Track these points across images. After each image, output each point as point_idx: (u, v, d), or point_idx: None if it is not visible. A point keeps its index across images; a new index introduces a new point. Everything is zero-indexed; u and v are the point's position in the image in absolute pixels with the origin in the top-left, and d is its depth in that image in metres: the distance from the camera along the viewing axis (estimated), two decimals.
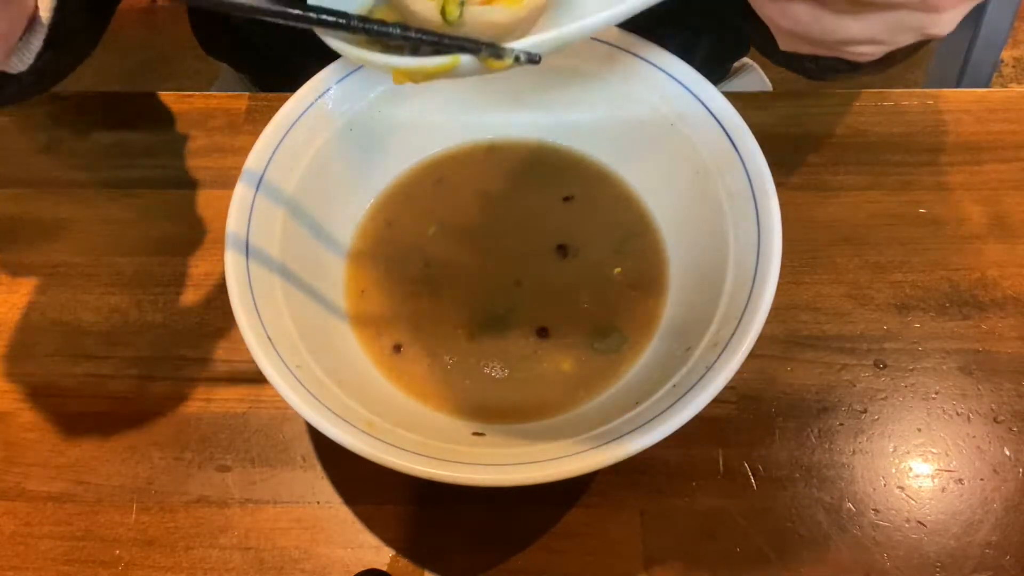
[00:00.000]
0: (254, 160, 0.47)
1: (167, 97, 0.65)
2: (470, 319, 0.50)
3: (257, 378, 0.50)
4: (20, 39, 0.46)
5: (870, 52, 0.38)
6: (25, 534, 0.49)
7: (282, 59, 0.44)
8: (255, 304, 0.43)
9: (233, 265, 0.44)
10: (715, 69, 0.79)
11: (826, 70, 0.52)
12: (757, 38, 0.52)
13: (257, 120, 0.63)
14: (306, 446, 0.51)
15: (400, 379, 0.49)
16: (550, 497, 0.49)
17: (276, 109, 0.48)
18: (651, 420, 0.40)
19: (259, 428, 0.51)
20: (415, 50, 0.39)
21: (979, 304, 0.54)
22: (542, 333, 0.50)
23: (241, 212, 0.45)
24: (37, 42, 0.46)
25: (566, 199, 0.54)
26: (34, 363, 0.54)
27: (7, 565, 0.48)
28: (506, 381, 0.49)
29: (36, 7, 0.45)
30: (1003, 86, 1.55)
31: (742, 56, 0.84)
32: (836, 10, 0.35)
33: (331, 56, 0.50)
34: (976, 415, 0.51)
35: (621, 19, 0.36)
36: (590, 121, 0.54)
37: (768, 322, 0.41)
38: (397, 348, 0.50)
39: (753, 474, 0.49)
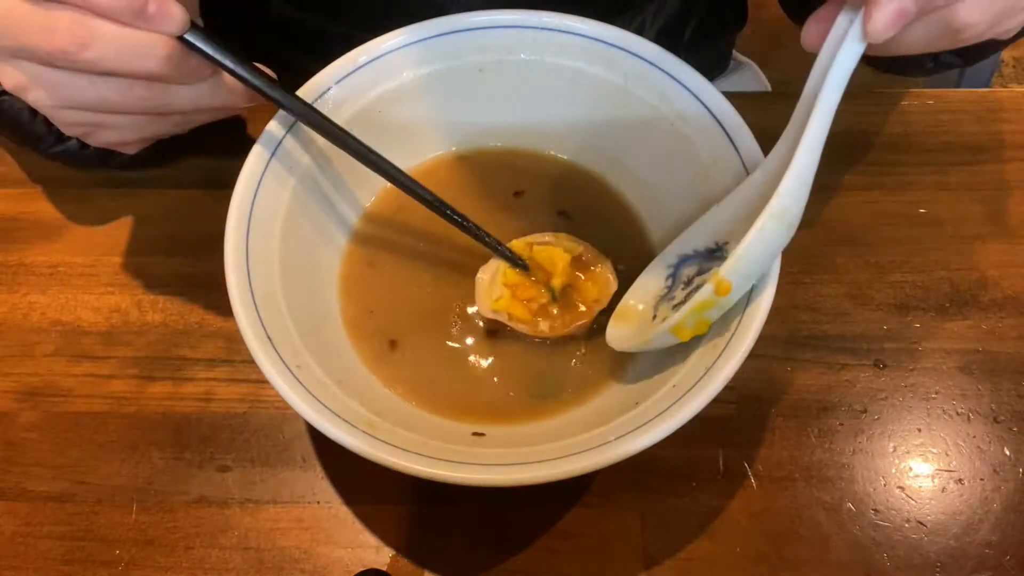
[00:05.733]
0: (254, 160, 0.47)
1: None
2: (470, 318, 0.50)
3: (257, 378, 0.50)
4: None
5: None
6: (25, 534, 0.49)
7: (283, 61, 0.45)
8: (255, 304, 0.43)
9: (233, 265, 0.44)
10: (710, 43, 0.78)
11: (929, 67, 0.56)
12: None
13: (258, 120, 0.62)
14: (306, 446, 0.51)
15: (399, 379, 0.49)
16: (550, 497, 0.49)
17: (276, 109, 0.48)
18: (651, 420, 0.40)
19: (259, 428, 0.51)
20: None
21: (979, 304, 0.54)
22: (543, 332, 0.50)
23: (241, 211, 0.45)
24: None
25: (567, 197, 0.54)
26: (34, 363, 0.54)
27: (7, 565, 0.48)
28: (507, 384, 0.49)
29: None
30: (1003, 86, 1.54)
31: (740, 28, 0.82)
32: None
33: (330, 56, 0.50)
34: (976, 415, 0.51)
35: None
36: (590, 120, 0.54)
37: (768, 322, 0.41)
38: (392, 345, 0.50)
39: (753, 474, 0.49)
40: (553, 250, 0.50)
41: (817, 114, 0.39)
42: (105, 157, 0.55)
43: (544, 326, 0.49)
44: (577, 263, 0.50)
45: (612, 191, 0.55)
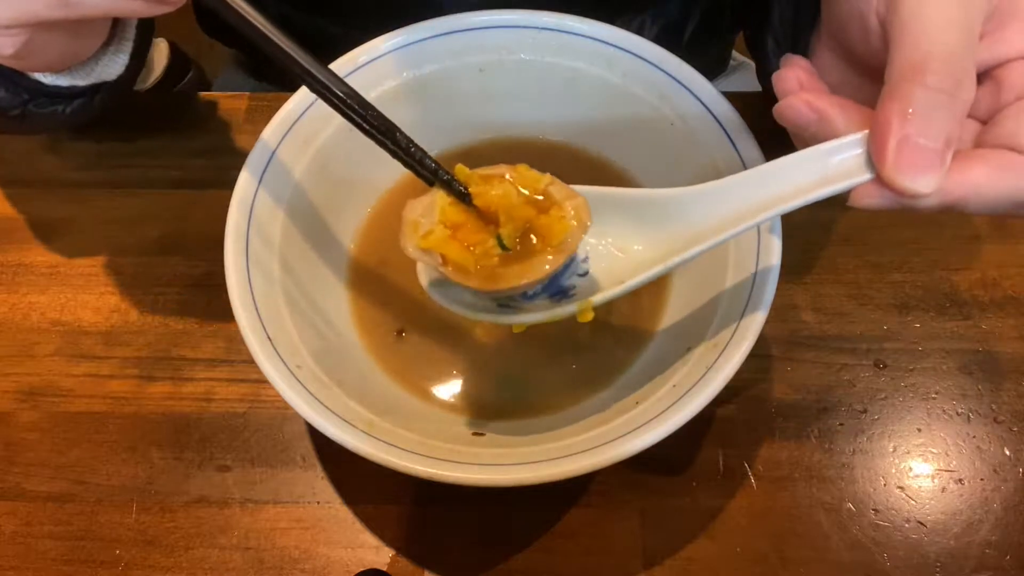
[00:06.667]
0: (255, 160, 0.47)
1: (167, 97, 0.65)
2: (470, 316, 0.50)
3: (257, 378, 0.50)
4: (110, 49, 0.49)
5: None
6: (25, 534, 0.49)
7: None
8: (255, 304, 0.43)
9: (233, 265, 0.44)
10: (710, 44, 0.78)
11: None
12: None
13: (257, 120, 0.62)
14: (306, 446, 0.51)
15: (401, 375, 0.49)
16: (550, 497, 0.49)
17: (276, 109, 0.48)
18: (651, 420, 0.40)
19: (259, 428, 0.51)
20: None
21: (979, 304, 0.54)
22: (543, 332, 0.50)
23: (241, 212, 0.45)
24: (124, 56, 0.49)
25: (565, 171, 0.54)
26: (34, 363, 0.54)
27: (7, 565, 0.48)
28: (506, 379, 0.49)
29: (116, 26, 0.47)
30: None
31: (740, 31, 0.82)
32: None
33: (330, 56, 0.50)
34: (976, 415, 0.51)
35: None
36: (590, 120, 0.54)
37: (768, 322, 0.41)
38: (399, 336, 0.50)
39: (753, 474, 0.49)
40: (507, 187, 0.40)
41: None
42: (23, 104, 0.47)
43: (489, 276, 0.39)
44: (542, 200, 0.40)
45: (612, 168, 0.55)
